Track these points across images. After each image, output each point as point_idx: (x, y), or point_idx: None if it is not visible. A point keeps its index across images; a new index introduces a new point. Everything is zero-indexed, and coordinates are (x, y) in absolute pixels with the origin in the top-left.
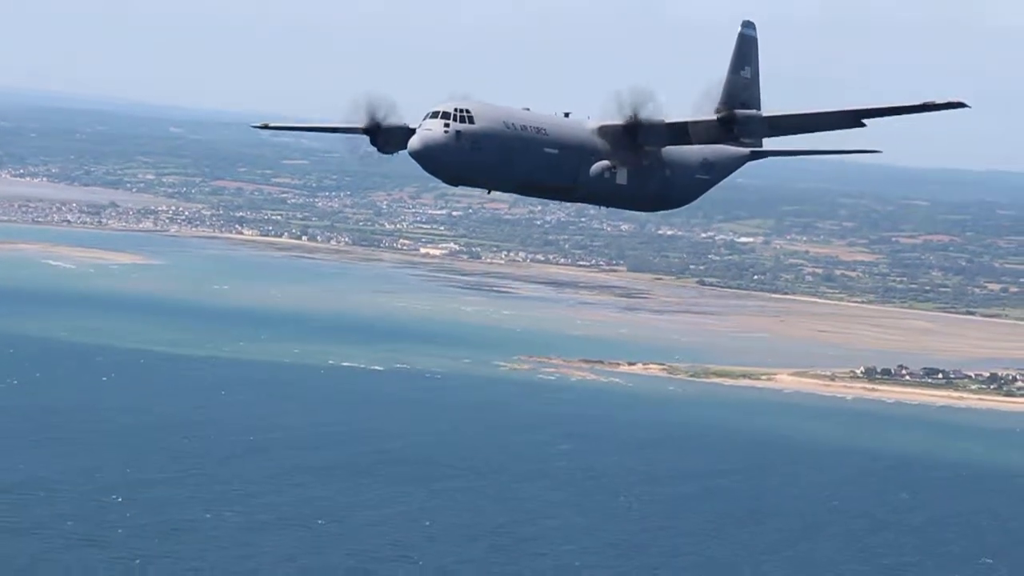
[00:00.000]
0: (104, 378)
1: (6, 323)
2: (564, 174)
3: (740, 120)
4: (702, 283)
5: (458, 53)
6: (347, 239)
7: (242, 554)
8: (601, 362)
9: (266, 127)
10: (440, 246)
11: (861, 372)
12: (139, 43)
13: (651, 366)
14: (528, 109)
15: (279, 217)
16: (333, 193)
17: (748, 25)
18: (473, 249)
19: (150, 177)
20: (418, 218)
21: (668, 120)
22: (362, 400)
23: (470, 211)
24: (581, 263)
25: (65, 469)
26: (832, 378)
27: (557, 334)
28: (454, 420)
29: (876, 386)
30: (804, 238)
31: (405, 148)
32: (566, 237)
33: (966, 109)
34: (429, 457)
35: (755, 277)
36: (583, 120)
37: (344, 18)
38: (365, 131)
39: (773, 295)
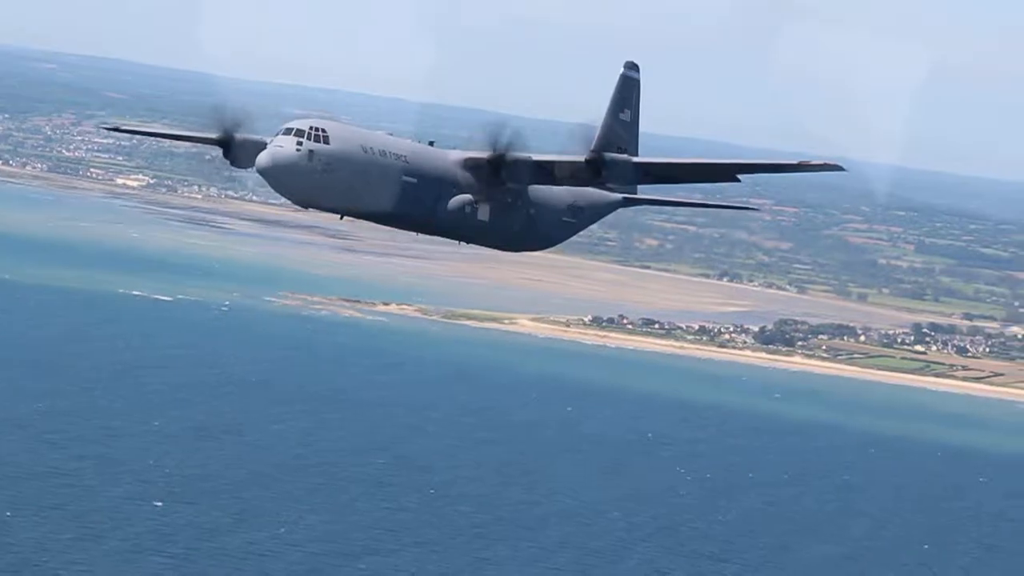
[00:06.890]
0: None
1: None
2: (422, 205)
3: (608, 164)
4: None
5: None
6: (42, 166)
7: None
8: (359, 301)
9: (117, 130)
10: (131, 177)
11: (589, 320)
12: None
13: (404, 307)
14: (391, 134)
15: None
16: None
17: (631, 67)
18: (166, 183)
19: None
20: (90, 147)
21: (535, 158)
22: (180, 327)
23: (134, 142)
24: (272, 201)
25: None
26: (567, 324)
27: (302, 272)
28: (277, 348)
29: (607, 333)
30: None
31: None
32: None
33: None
34: (267, 381)
35: None
36: (448, 151)
37: None
38: (218, 142)
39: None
